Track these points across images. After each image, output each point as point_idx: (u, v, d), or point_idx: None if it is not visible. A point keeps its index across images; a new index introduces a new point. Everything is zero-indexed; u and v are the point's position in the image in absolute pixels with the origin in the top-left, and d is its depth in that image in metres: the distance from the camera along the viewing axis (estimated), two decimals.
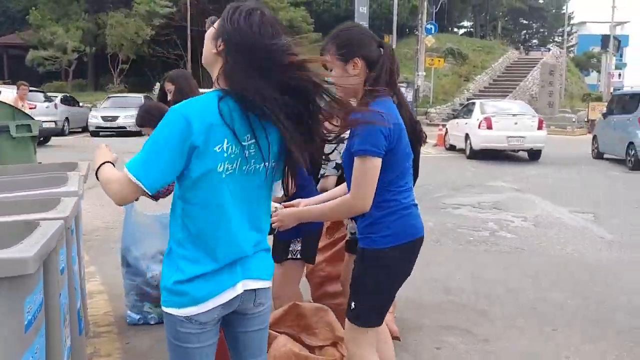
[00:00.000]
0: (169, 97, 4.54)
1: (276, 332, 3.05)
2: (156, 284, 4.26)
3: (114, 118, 22.86)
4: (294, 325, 3.17)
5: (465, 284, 5.37)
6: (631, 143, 14.89)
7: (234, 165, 1.86)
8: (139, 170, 1.80)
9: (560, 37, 66.64)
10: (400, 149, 2.41)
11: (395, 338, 3.90)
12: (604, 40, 35.73)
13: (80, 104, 25.95)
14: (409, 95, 29.01)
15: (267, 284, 2.03)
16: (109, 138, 21.08)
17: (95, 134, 23.33)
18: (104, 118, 23.05)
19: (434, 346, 4.05)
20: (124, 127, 22.46)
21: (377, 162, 2.31)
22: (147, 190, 1.81)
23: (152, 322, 4.31)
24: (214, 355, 2.02)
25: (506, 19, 63.31)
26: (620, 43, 35.23)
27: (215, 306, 1.90)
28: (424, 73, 31.80)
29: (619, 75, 36.77)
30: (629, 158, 15.02)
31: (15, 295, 1.97)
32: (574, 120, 30.72)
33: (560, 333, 4.33)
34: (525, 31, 70.53)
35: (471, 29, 62.13)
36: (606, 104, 31.02)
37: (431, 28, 32.36)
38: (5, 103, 6.44)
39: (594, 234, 7.69)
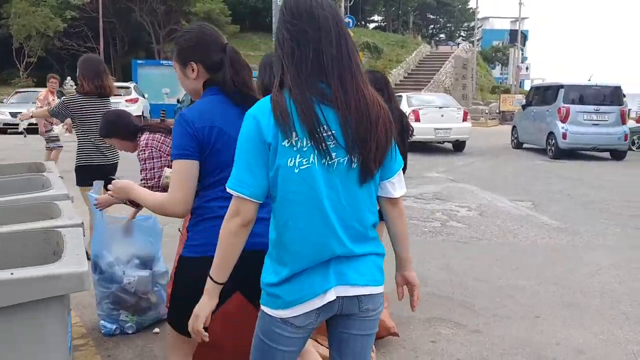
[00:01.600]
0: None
1: None
2: (133, 291, 3.99)
3: None
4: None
5: (437, 275, 5.39)
6: (551, 133, 15.61)
7: (310, 159, 1.75)
8: (235, 183, 1.77)
9: (465, 32, 69.19)
10: (218, 154, 2.26)
11: (393, 334, 3.84)
12: (512, 34, 37.27)
13: None
14: None
15: (372, 290, 1.89)
16: (18, 135, 19.84)
17: (2, 131, 21.90)
18: (13, 114, 21.58)
19: (429, 340, 4.01)
20: (35, 124, 21.15)
21: (185, 164, 2.21)
22: (253, 200, 1.77)
23: (129, 332, 4.03)
24: None
25: (415, 13, 64.82)
26: (526, 37, 36.85)
27: (306, 311, 1.80)
28: None
29: (526, 68, 38.46)
30: (549, 147, 15.73)
31: (62, 314, 1.74)
32: (486, 112, 31.93)
33: (544, 320, 4.41)
34: (432, 26, 72.62)
35: (382, 24, 63.29)
36: (515, 96, 32.75)
37: (349, 22, 32.57)
38: None
39: (539, 221, 7.95)
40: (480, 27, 67.30)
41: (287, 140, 1.73)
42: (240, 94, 2.32)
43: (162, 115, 23.51)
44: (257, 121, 1.75)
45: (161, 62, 29.17)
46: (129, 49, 35.97)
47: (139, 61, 28.78)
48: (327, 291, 1.81)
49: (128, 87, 23.32)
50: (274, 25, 32.58)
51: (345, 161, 1.78)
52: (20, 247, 2.14)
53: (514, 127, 18.84)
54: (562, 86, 15.77)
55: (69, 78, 31.13)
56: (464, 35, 68.97)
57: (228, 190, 1.79)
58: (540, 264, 5.89)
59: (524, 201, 9.47)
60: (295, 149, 1.73)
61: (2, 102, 24.13)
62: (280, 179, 1.76)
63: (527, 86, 41.78)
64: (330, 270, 1.81)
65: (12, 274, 1.61)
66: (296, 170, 1.74)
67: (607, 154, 15.97)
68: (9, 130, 21.69)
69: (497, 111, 32.52)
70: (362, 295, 1.87)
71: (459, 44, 51.67)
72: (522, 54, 39.32)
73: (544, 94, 16.88)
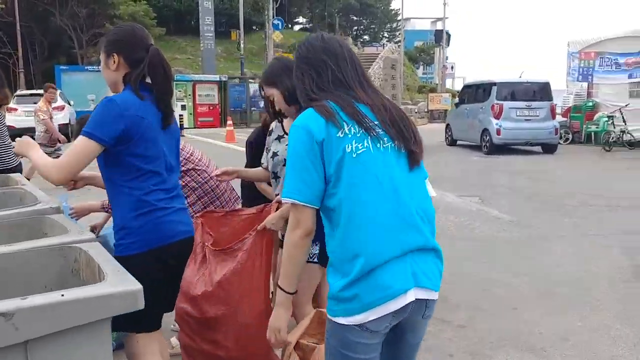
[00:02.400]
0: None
1: (308, 342, 2.82)
2: None
3: None
4: (318, 332, 2.95)
5: None
6: (485, 129, 16.08)
7: (364, 143, 1.86)
8: (291, 192, 1.84)
9: (388, 33, 70.38)
10: (145, 145, 2.39)
11: None
12: (437, 34, 38.20)
13: None
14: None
15: (436, 295, 1.89)
16: None
17: None
18: None
19: None
20: None
21: (93, 146, 2.29)
22: (309, 205, 1.84)
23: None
24: None
25: (339, 15, 65.40)
26: (450, 37, 37.91)
27: (384, 314, 1.78)
28: None
29: (451, 67, 39.51)
30: (484, 144, 16.19)
31: (110, 335, 1.60)
32: (416, 111, 32.58)
33: (523, 310, 4.50)
34: (356, 27, 73.46)
35: (306, 25, 63.53)
36: (442, 95, 33.62)
37: (278, 24, 32.54)
38: None
39: (491, 216, 8.14)
40: (403, 28, 68.83)
41: (340, 131, 1.84)
42: (154, 94, 2.48)
43: None
44: (306, 127, 1.85)
45: (86, 67, 28.19)
46: (49, 55, 34.54)
47: (62, 67, 27.67)
48: (408, 291, 1.80)
49: None
50: (201, 27, 32.26)
51: (394, 146, 1.90)
52: (36, 266, 1.97)
53: (447, 125, 19.30)
54: (494, 84, 16.26)
55: None
56: (387, 36, 70.11)
57: (284, 200, 1.84)
58: (507, 257, 6.02)
59: (472, 196, 9.68)
60: (350, 135, 1.84)
61: None
62: (342, 168, 1.81)
63: (452, 85, 43.01)
64: (408, 267, 1.81)
65: (62, 295, 1.47)
66: (354, 155, 1.83)
67: (538, 148, 16.58)
68: None
69: (426, 110, 33.26)
70: (430, 300, 1.88)
71: (384, 45, 52.49)
72: (445, 54, 40.35)
73: (477, 92, 17.36)
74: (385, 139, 1.89)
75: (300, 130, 1.85)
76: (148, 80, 2.52)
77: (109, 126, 2.28)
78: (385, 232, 1.80)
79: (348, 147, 1.82)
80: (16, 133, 20.22)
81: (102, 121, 2.29)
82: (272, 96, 3.08)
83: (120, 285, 1.54)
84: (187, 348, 3.18)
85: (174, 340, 3.72)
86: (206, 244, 3.26)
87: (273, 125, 3.34)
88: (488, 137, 15.96)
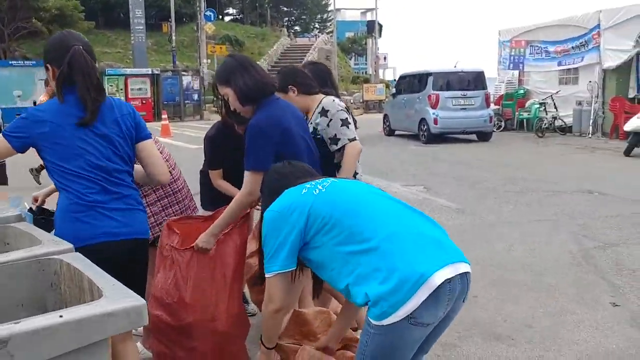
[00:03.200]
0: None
1: (287, 343, 2.75)
2: None
3: None
4: (297, 333, 2.89)
5: None
6: (423, 119, 16.31)
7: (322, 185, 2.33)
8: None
9: (319, 24, 70.49)
10: (57, 147, 2.50)
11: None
12: (369, 25, 38.39)
13: None
14: (195, 84, 28.55)
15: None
16: None
17: None
18: None
19: None
20: None
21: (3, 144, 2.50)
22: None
23: None
24: None
25: (270, 6, 64.96)
26: (382, 28, 38.22)
27: (431, 292, 1.98)
28: (209, 61, 31.46)
29: (384, 58, 39.87)
30: (421, 133, 16.44)
31: (107, 354, 1.49)
32: (352, 102, 32.74)
33: (482, 298, 4.56)
34: (287, 18, 73.17)
35: (237, 16, 62.81)
36: (377, 85, 33.92)
37: (210, 15, 32.00)
38: None
39: (438, 204, 8.25)
40: (333, 19, 69.04)
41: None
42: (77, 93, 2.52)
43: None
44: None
45: (10, 62, 26.88)
46: None
47: None
48: (445, 267, 2.04)
49: None
50: (132, 20, 31.33)
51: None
52: (7, 282, 1.82)
53: (385, 115, 19.47)
54: (430, 74, 16.50)
55: None
56: (318, 27, 70.19)
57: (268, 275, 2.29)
58: (458, 245, 6.09)
59: (416, 185, 9.80)
60: (310, 186, 2.32)
61: None
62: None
63: (384, 75, 43.43)
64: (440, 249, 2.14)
65: (61, 316, 1.35)
66: (324, 190, 2.29)
67: (473, 136, 16.95)
68: None
69: (361, 100, 33.48)
70: (468, 272, 2.12)
71: (316, 35, 52.52)
72: (377, 44, 40.70)
73: (413, 83, 17.58)
74: None
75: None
76: None
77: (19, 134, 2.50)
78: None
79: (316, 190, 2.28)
80: None
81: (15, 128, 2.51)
82: (227, 95, 2.98)
83: (122, 301, 1.43)
84: (160, 355, 3.06)
85: (139, 345, 3.58)
86: (173, 244, 3.13)
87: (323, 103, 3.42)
88: (426, 127, 16.20)
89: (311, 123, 3.45)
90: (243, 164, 3.32)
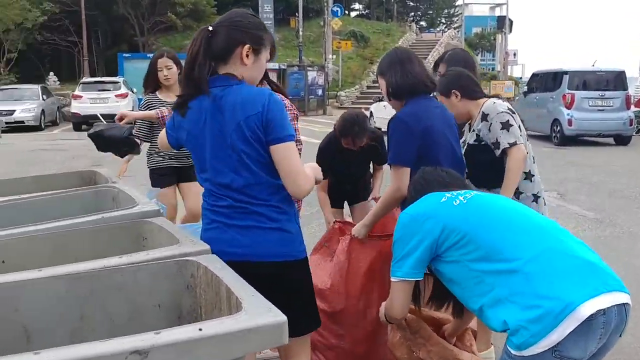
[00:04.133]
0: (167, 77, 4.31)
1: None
2: None
3: (10, 112, 20.71)
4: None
5: None
6: (556, 119, 15.44)
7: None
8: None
9: (446, 19, 69.04)
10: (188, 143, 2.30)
11: None
12: (499, 20, 37.09)
13: None
14: (320, 79, 28.85)
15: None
16: (5, 134, 19.23)
17: None
18: None
19: None
20: (22, 122, 20.58)
21: None
22: None
23: None
24: None
25: (397, 1, 64.48)
26: (512, 23, 36.76)
27: (581, 322, 1.77)
28: (334, 56, 31.71)
29: (514, 54, 38.33)
30: (554, 134, 15.57)
31: None
32: None
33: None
34: (413, 13, 72.30)
35: (364, 12, 62.88)
36: (505, 82, 32.64)
37: (337, 10, 32.20)
38: None
39: (573, 212, 7.73)
40: (461, 14, 67.35)
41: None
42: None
43: None
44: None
45: (147, 55, 28.48)
46: (112, 43, 35.18)
47: (124, 55, 28.07)
48: (600, 295, 1.81)
49: (117, 82, 22.62)
50: (260, 15, 32.16)
51: None
52: (146, 282, 1.80)
53: None
54: (566, 72, 15.59)
55: (51, 73, 30.35)
56: (444, 22, 68.81)
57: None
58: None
59: (549, 191, 9.20)
60: (452, 195, 2.16)
61: None
62: None
63: (512, 73, 41.80)
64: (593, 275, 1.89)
65: (200, 329, 1.28)
66: (464, 202, 2.12)
67: (610, 139, 15.84)
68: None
69: None
70: (627, 304, 1.87)
71: (442, 31, 51.46)
72: (506, 40, 39.21)
73: (547, 81, 16.70)
74: None
75: None
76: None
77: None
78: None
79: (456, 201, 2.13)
80: (80, 120, 20.71)
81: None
82: (381, 85, 3.03)
83: (263, 316, 1.34)
84: (316, 344, 3.06)
85: None
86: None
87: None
88: (559, 128, 15.33)
89: (474, 130, 3.27)
90: (345, 177, 3.43)
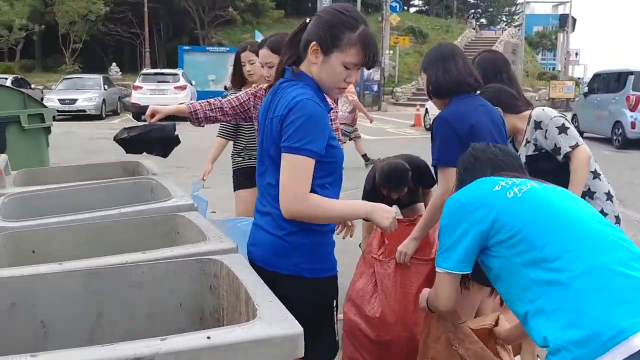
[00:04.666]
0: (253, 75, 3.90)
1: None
2: None
3: (73, 101, 21.38)
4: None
5: None
6: (618, 122, 14.84)
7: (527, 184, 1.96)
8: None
9: (506, 17, 67.57)
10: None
11: None
12: (562, 18, 35.95)
13: (32, 85, 24.33)
14: (375, 75, 28.63)
15: None
16: (67, 122, 19.83)
17: None
18: (61, 101, 21.42)
19: None
20: (84, 110, 21.18)
21: None
22: None
23: None
24: None
25: None
26: (575, 22, 35.58)
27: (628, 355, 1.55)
28: (391, 52, 31.43)
29: (576, 54, 37.16)
30: (615, 137, 14.97)
31: None
32: (537, 99, 30.92)
33: None
34: (473, 10, 71.02)
35: (423, 7, 62.15)
36: (565, 82, 31.71)
37: (396, 6, 31.86)
38: (15, 89, 5.58)
39: (633, 220, 7.38)
40: (521, 12, 65.73)
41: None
42: None
43: None
44: None
45: (207, 48, 28.89)
46: (173, 35, 35.84)
47: (185, 47, 28.50)
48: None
49: (176, 74, 22.98)
50: (319, 9, 32.02)
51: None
52: (169, 278, 1.74)
53: (574, 115, 18.02)
54: (631, 73, 14.93)
55: (114, 64, 31.16)
56: (505, 20, 67.38)
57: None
58: None
59: None
60: (507, 185, 1.94)
61: (50, 89, 24.14)
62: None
63: (573, 73, 40.56)
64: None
65: (208, 337, 1.20)
66: (519, 195, 1.89)
67: None
68: (57, 117, 21.57)
69: (547, 98, 31.50)
70: None
71: (502, 29, 50.34)
72: (569, 39, 38.04)
73: (609, 82, 16.06)
74: None
75: None
76: None
77: None
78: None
79: (510, 193, 1.92)
80: (140, 111, 21.21)
81: None
82: (422, 80, 2.93)
83: (277, 326, 1.26)
84: (351, 358, 3.01)
85: None
86: (375, 255, 3.05)
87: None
88: (621, 131, 14.71)
89: (529, 141, 3.13)
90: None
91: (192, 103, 3.62)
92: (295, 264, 1.98)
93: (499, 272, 1.90)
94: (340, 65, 1.95)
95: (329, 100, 2.10)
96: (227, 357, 1.19)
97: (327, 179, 2.03)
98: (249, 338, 1.21)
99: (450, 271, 1.98)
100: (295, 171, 1.90)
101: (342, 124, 5.81)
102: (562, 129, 2.99)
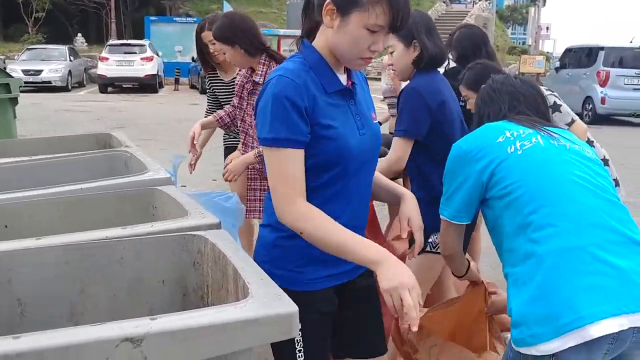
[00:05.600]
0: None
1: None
2: None
3: (37, 72, 20.74)
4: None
5: None
6: (588, 97, 15.04)
7: (531, 140, 1.82)
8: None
9: None
10: None
11: None
12: None
13: None
14: None
15: None
16: (32, 94, 19.32)
17: None
18: (26, 72, 20.68)
19: None
20: (49, 82, 20.63)
21: None
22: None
23: None
24: None
25: None
26: None
27: (586, 340, 1.52)
28: None
29: (547, 28, 37.31)
30: (585, 112, 15.16)
31: None
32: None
33: None
34: None
35: None
36: (535, 57, 31.88)
37: None
38: None
39: None
40: None
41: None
42: None
43: (176, 73, 22.83)
44: None
45: (174, 19, 28.33)
46: (139, 6, 35.03)
47: (151, 18, 27.89)
48: (621, 316, 1.52)
49: (143, 45, 22.48)
50: None
51: (578, 147, 1.83)
52: (151, 255, 1.67)
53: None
54: (602, 48, 15.13)
55: (79, 35, 30.38)
56: None
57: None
58: None
59: None
60: (512, 138, 1.82)
61: (13, 59, 23.44)
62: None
63: (543, 47, 40.80)
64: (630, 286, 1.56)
65: (200, 317, 1.15)
66: (519, 152, 1.78)
67: None
68: (21, 88, 20.97)
69: (517, 72, 31.75)
70: None
71: (473, 2, 50.40)
72: (540, 14, 38.21)
73: (581, 57, 16.23)
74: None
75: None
76: None
77: None
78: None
79: (510, 148, 1.81)
80: (107, 82, 20.78)
81: None
82: (393, 47, 2.66)
83: (271, 305, 1.20)
84: None
85: None
86: None
87: None
88: (591, 106, 14.93)
89: None
90: None
91: (217, 112, 3.45)
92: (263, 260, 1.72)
93: (493, 225, 1.85)
94: (362, 29, 1.56)
95: (342, 79, 1.70)
96: (221, 337, 1.14)
97: (321, 187, 1.67)
98: (244, 317, 1.16)
99: (449, 220, 1.95)
100: (270, 168, 1.62)
101: (389, 97, 5.38)
102: (555, 108, 2.97)
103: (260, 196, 3.40)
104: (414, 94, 2.57)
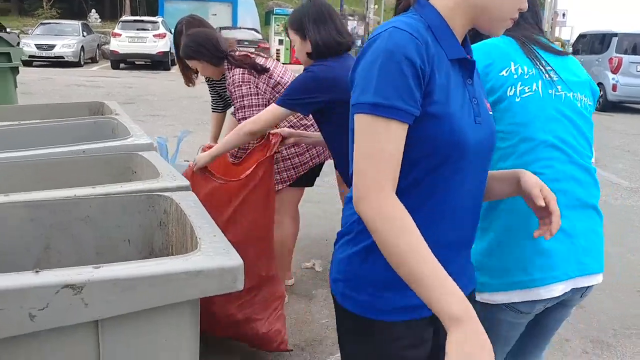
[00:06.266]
0: None
1: None
2: None
3: (50, 47, 20.83)
4: None
5: None
6: (600, 84, 14.83)
7: (532, 87, 1.66)
8: None
9: None
10: None
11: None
12: None
13: (7, 30, 23.65)
14: (360, 29, 28.28)
15: (601, 278, 1.72)
16: (44, 68, 19.40)
17: (27, 63, 21.32)
18: (39, 46, 20.91)
19: None
20: (62, 57, 20.70)
21: None
22: None
23: None
24: None
25: None
26: None
27: (538, 299, 1.61)
28: (376, 6, 30.98)
29: (563, 14, 36.81)
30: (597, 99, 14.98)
31: (196, 318, 1.30)
32: None
33: None
34: None
35: None
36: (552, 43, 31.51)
37: None
38: None
39: (606, 180, 7.42)
40: None
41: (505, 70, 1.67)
42: None
43: None
44: None
45: None
46: None
47: None
48: (567, 281, 1.62)
49: (156, 22, 22.45)
50: None
51: (572, 97, 1.70)
52: (119, 214, 1.70)
53: None
54: (615, 34, 14.89)
55: (93, 11, 30.41)
56: None
57: None
58: (623, 229, 5.41)
59: None
60: (515, 76, 1.65)
61: (27, 34, 23.50)
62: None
63: (560, 34, 40.25)
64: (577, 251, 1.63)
65: (144, 267, 1.17)
66: (517, 100, 1.64)
67: None
68: (34, 63, 21.12)
69: None
70: (592, 286, 1.70)
71: None
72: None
73: (594, 43, 16.01)
74: (560, 87, 1.70)
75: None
76: None
77: None
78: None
79: (510, 89, 1.65)
80: (119, 59, 20.77)
81: None
82: (294, 42, 2.76)
83: (216, 259, 1.23)
84: None
85: None
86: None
87: None
88: (602, 93, 14.74)
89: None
90: None
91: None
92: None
93: None
94: None
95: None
96: (165, 287, 1.16)
97: (415, 187, 1.22)
98: (186, 269, 1.18)
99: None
100: (361, 144, 1.16)
101: None
102: None
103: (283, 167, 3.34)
104: (308, 75, 2.60)
